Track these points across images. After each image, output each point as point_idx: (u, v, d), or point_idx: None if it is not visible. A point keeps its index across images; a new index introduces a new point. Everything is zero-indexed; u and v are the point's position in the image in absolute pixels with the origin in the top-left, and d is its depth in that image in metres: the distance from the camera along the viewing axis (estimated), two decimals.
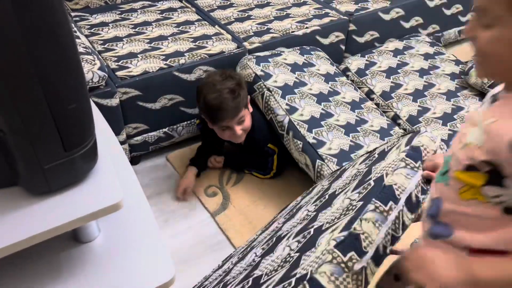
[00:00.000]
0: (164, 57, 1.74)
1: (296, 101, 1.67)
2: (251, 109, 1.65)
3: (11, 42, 0.52)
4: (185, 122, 1.84)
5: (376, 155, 1.23)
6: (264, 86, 1.66)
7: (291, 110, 1.63)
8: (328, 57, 1.96)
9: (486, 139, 0.60)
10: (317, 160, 1.52)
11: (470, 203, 0.64)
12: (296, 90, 1.71)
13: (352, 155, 1.56)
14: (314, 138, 1.58)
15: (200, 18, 2.03)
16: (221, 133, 1.61)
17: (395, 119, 1.86)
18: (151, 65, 1.69)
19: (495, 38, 0.58)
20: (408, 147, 0.99)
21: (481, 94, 2.05)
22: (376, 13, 2.16)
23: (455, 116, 1.90)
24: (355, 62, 2.04)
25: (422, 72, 2.10)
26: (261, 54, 1.79)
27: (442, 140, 1.77)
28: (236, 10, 2.12)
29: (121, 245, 0.78)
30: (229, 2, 2.18)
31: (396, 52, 2.15)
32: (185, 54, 1.76)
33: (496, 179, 0.60)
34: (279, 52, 1.83)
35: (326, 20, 2.04)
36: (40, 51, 0.55)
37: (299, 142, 1.57)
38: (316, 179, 1.53)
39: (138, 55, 1.74)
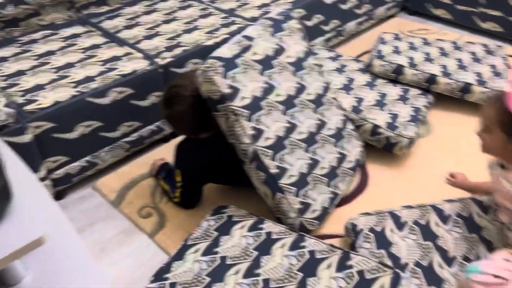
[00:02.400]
0: (74, 84, 1.68)
1: (262, 121, 1.49)
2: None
3: None
4: (107, 147, 1.80)
5: (308, 255, 1.34)
6: (230, 110, 1.42)
7: (257, 135, 1.47)
8: (299, 26, 1.75)
9: None
10: (277, 193, 1.50)
11: None
12: (263, 103, 1.51)
13: (308, 179, 1.56)
14: (277, 167, 1.50)
15: (108, 40, 2.00)
16: None
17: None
18: (62, 94, 1.63)
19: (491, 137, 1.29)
20: None
21: (390, 81, 2.21)
22: None
23: (384, 101, 2.03)
24: None
25: (339, 70, 2.23)
26: (229, 53, 1.46)
27: (388, 123, 1.87)
28: (143, 28, 2.10)
29: (54, 281, 0.75)
30: (135, 22, 2.16)
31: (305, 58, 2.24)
32: (96, 78, 1.72)
33: None
34: (249, 44, 1.52)
35: (234, 27, 2.09)
36: None
37: (262, 174, 1.48)
38: (273, 208, 1.54)
39: (46, 86, 1.67)
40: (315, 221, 1.53)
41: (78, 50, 1.91)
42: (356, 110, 1.93)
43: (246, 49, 1.52)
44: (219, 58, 1.43)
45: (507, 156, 1.30)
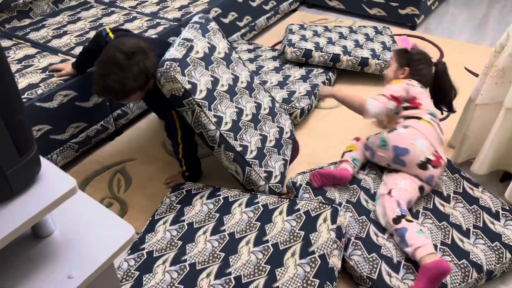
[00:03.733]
0: (20, 92, 1.76)
1: (219, 108, 1.69)
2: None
3: None
4: (58, 149, 1.89)
5: (262, 208, 1.59)
6: (194, 103, 1.61)
7: (219, 122, 1.67)
8: (218, 27, 1.96)
9: None
10: (246, 168, 1.70)
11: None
12: (215, 94, 1.71)
13: (264, 151, 1.80)
14: (240, 145, 1.71)
15: (39, 50, 2.07)
16: None
17: None
18: None
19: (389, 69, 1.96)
20: (334, 226, 1.46)
21: (298, 64, 2.57)
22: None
23: (287, 82, 2.37)
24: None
25: (251, 60, 2.56)
26: (179, 54, 1.63)
27: (284, 99, 2.21)
28: (72, 36, 2.20)
29: (77, 229, 0.91)
30: (62, 31, 2.25)
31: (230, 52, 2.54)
32: (40, 84, 1.81)
33: None
34: (190, 45, 1.70)
35: (160, 28, 2.28)
36: None
37: (230, 153, 1.68)
38: (244, 182, 1.74)
39: None
40: (279, 184, 1.80)
41: (12, 61, 1.97)
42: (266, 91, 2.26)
43: (190, 49, 1.71)
44: (173, 60, 1.60)
45: (392, 80, 1.91)
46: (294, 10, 3.50)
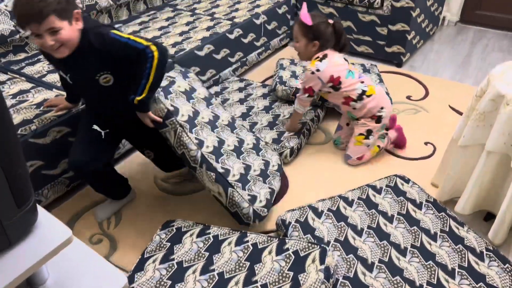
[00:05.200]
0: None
1: (200, 133, 1.79)
2: (79, 26, 1.51)
3: None
4: (49, 184, 1.90)
5: (251, 247, 1.62)
6: (176, 122, 1.72)
7: (200, 143, 1.76)
8: (197, 77, 2.10)
9: None
10: (229, 188, 1.75)
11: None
12: (196, 122, 1.81)
13: (247, 177, 1.85)
14: (222, 167, 1.77)
15: (34, 85, 2.10)
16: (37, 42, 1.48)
17: None
18: None
19: (299, 44, 2.13)
20: (322, 267, 1.49)
21: (287, 101, 2.63)
22: (193, 52, 2.56)
23: (276, 122, 2.42)
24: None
25: (242, 100, 2.63)
26: (162, 83, 1.77)
27: (273, 139, 2.27)
28: None
29: (70, 278, 0.93)
30: None
31: (217, 95, 2.63)
32: (34, 120, 1.83)
33: None
34: (173, 79, 1.87)
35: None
36: None
37: (212, 173, 1.74)
38: (228, 204, 1.77)
39: None
40: (264, 209, 1.83)
41: (7, 96, 2.00)
42: (251, 128, 2.34)
43: (172, 82, 1.86)
44: (160, 87, 1.73)
45: (307, 54, 2.14)
46: (284, 46, 3.60)
